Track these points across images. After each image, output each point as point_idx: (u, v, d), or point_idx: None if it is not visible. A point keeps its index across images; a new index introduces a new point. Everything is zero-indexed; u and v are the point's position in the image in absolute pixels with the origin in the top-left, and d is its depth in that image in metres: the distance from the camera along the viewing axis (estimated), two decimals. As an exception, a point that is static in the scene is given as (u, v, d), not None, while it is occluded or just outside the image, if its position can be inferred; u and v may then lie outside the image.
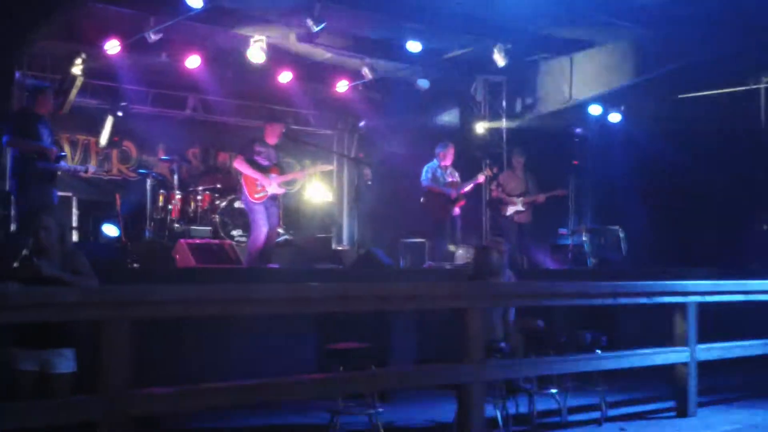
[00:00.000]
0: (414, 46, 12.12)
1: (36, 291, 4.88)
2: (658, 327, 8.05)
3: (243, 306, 5.47)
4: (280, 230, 11.36)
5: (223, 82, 13.04)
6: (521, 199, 12.12)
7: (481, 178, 11.91)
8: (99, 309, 4.80)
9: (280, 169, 10.15)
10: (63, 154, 8.91)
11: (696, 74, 12.36)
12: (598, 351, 7.33)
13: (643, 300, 7.43)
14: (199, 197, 11.91)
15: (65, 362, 5.37)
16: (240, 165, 9.88)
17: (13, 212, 9.04)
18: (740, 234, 12.79)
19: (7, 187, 9.00)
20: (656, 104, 13.69)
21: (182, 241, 10.08)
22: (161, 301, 5.02)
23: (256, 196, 9.78)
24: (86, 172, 9.64)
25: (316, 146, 12.95)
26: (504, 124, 14.08)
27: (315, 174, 12.98)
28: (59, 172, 8.92)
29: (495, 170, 12.21)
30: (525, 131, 13.78)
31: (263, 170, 9.83)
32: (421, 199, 11.50)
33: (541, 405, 7.24)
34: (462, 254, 11.38)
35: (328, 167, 11.65)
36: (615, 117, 14.44)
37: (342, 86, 13.71)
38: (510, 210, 12.14)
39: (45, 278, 5.21)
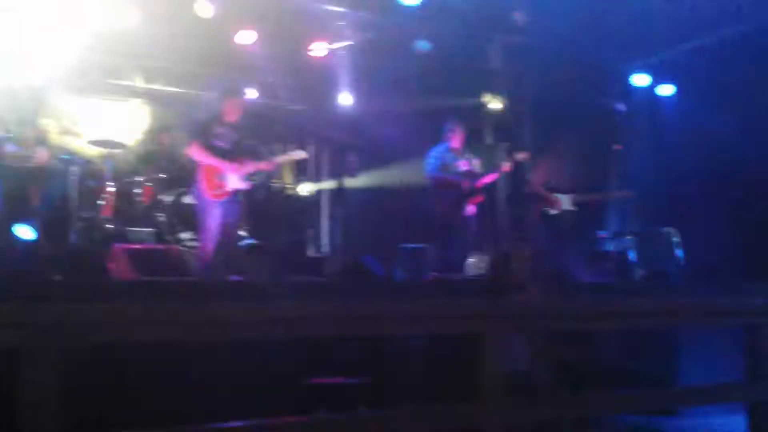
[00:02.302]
0: (411, -1, 12.15)
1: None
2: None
3: (201, 329, 5.42)
4: (243, 233, 11.31)
5: (167, 45, 13.00)
6: (571, 196, 11.99)
7: (506, 167, 11.84)
8: (12, 333, 4.73)
9: (244, 156, 10.12)
10: (9, 135, 8.82)
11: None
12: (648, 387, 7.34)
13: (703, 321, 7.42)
14: (138, 190, 11.93)
15: None
16: (197, 153, 9.82)
17: None
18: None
19: None
20: (720, 74, 13.67)
21: (118, 246, 10.04)
22: (95, 323, 4.97)
23: (215, 192, 9.76)
24: (35, 157, 9.20)
25: (287, 126, 12.94)
26: (527, 97, 14.08)
27: (286, 164, 12.94)
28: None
29: (524, 156, 12.10)
30: (552, 107, 13.76)
31: (225, 158, 9.83)
32: (427, 193, 11.45)
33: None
34: (475, 263, 11.36)
35: (302, 155, 11.64)
36: (666, 89, 14.44)
37: (319, 49, 13.68)
38: (556, 209, 12.01)
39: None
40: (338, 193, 10.58)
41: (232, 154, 9.93)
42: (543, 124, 13.44)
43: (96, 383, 6.71)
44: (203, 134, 9.89)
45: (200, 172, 9.84)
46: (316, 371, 6.64)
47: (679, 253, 12.73)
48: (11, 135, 9.06)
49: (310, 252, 13.32)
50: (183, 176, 12.04)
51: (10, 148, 8.91)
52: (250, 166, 10.28)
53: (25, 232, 10.94)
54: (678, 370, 8.98)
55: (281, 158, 11.25)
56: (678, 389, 7.45)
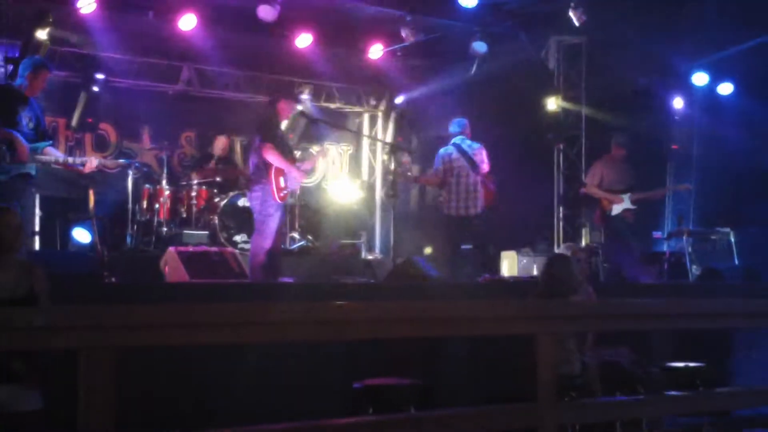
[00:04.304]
0: (468, 0, 12.11)
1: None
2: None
3: (253, 331, 5.50)
4: (296, 235, 11.43)
5: (226, 48, 13.12)
6: (629, 195, 11.94)
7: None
8: (72, 335, 4.85)
9: (295, 156, 10.19)
10: (47, 143, 9.00)
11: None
12: (701, 388, 7.34)
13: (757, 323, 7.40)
14: (193, 194, 12.08)
15: (30, 398, 5.49)
16: (271, 155, 9.73)
17: None
18: None
19: None
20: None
21: (172, 249, 10.16)
22: (148, 325, 5.07)
23: (281, 195, 9.75)
24: (83, 166, 9.35)
25: (341, 127, 13.01)
26: (583, 98, 14.05)
27: (322, 158, 12.83)
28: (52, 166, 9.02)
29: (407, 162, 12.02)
30: (610, 106, 13.74)
31: (287, 158, 9.88)
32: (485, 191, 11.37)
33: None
34: (527, 263, 11.37)
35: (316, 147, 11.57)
36: (726, 88, 14.32)
37: (375, 51, 13.76)
38: (616, 208, 11.97)
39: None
40: (392, 195, 10.60)
41: (292, 154, 10.01)
42: (600, 123, 13.41)
43: (146, 384, 6.85)
44: (271, 136, 9.86)
45: (270, 174, 9.78)
46: (366, 372, 6.71)
47: (735, 253, 12.69)
48: (51, 143, 9.26)
49: (363, 254, 13.36)
50: (236, 179, 12.22)
51: (94, 162, 9.17)
52: (309, 164, 10.34)
53: (81, 235, 11.15)
54: (735, 371, 9.00)
55: (322, 152, 11.22)
56: (733, 390, 7.42)
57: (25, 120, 8.73)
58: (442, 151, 11.30)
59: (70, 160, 9.45)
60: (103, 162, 10.68)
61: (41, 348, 5.13)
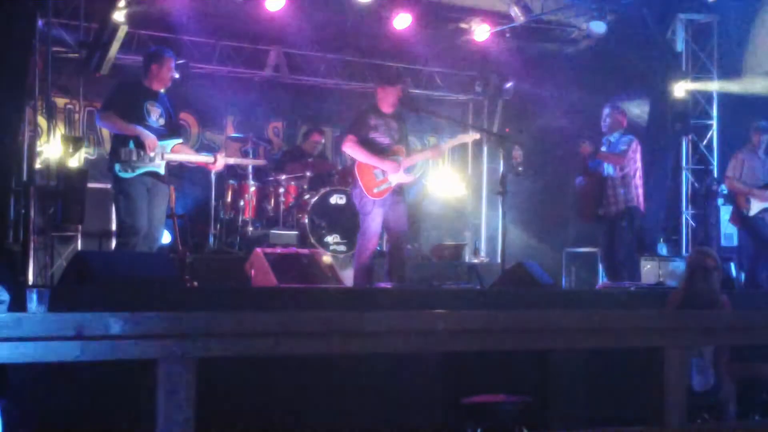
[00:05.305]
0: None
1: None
2: None
3: (348, 341, 5.48)
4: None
5: (317, 31, 13.15)
6: None
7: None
8: (150, 345, 4.85)
9: (407, 148, 10.12)
10: (177, 140, 9.31)
11: None
12: None
13: None
14: (282, 190, 12.14)
15: None
16: (352, 149, 9.80)
17: None
18: None
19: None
20: None
21: (259, 250, 10.21)
22: (234, 334, 5.07)
23: (376, 190, 9.70)
24: (214, 162, 9.65)
25: (444, 117, 12.91)
26: (716, 84, 13.82)
27: (444, 153, 12.77)
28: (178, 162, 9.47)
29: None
30: (744, 95, 13.47)
31: (384, 152, 9.83)
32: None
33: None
34: (651, 269, 11.18)
35: (473, 136, 11.56)
36: None
37: (482, 33, 13.68)
38: (755, 207, 11.67)
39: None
40: (499, 192, 10.48)
41: (391, 147, 9.92)
42: (732, 110, 13.16)
43: (228, 394, 6.87)
44: (358, 128, 9.89)
45: (357, 168, 9.83)
46: (470, 387, 6.65)
47: None
48: (182, 140, 9.58)
49: (469, 257, 13.29)
50: (330, 174, 12.22)
51: (184, 150, 9.56)
52: (417, 157, 10.29)
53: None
54: None
55: (449, 143, 11.20)
56: None
57: (154, 115, 9.18)
58: (633, 137, 11.12)
59: (202, 157, 9.78)
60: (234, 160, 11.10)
61: (115, 359, 5.14)
